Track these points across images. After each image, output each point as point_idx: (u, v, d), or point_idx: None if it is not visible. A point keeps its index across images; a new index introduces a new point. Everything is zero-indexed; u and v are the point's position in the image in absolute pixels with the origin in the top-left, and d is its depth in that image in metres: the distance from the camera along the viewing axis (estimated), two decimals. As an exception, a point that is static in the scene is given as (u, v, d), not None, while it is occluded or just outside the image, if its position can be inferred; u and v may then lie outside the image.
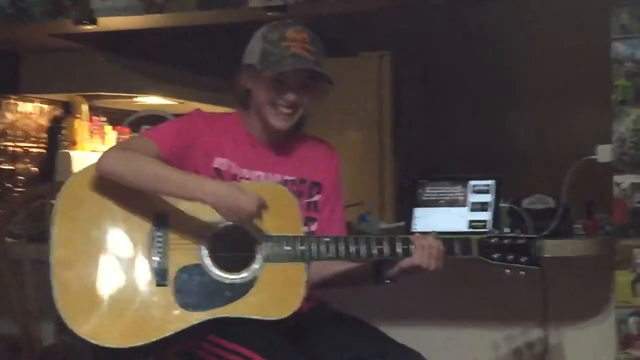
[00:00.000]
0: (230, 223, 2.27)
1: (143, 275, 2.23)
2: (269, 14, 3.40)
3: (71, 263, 2.23)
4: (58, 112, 5.11)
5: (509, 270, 2.35)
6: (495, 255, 2.36)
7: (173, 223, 2.27)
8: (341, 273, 2.45)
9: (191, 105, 4.61)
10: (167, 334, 2.20)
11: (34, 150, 4.97)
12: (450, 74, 6.10)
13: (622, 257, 2.93)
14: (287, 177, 2.45)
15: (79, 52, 4.66)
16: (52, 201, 2.38)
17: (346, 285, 2.50)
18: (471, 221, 3.06)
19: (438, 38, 6.05)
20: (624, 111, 2.95)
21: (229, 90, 2.52)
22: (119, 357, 2.24)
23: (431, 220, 3.08)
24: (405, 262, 2.33)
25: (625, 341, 2.92)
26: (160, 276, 2.23)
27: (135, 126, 4.03)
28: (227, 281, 2.25)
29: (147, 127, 2.51)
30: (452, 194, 3.15)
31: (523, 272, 2.35)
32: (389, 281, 2.40)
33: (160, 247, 2.24)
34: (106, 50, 4.74)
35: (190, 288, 2.24)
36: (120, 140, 4.72)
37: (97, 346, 2.19)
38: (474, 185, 3.12)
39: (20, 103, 4.88)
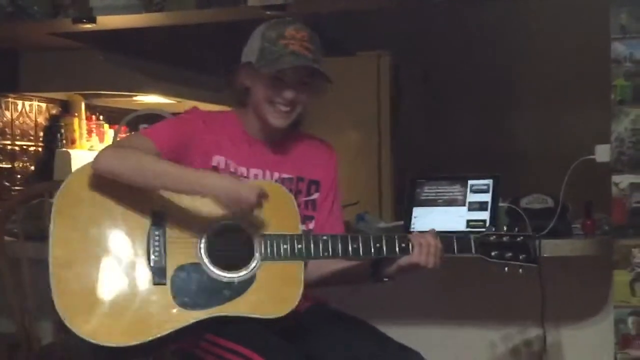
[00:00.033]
0: (229, 222, 2.27)
1: (141, 274, 2.23)
2: (268, 12, 3.39)
3: (69, 262, 2.22)
4: (56, 110, 5.11)
5: (507, 268, 2.35)
6: (493, 253, 2.36)
7: (171, 222, 2.26)
8: (339, 271, 2.45)
9: (190, 104, 4.60)
10: (165, 332, 2.20)
11: (33, 148, 4.97)
12: (450, 74, 6.11)
13: (620, 257, 2.93)
14: (284, 175, 2.45)
15: (77, 50, 4.66)
16: (51, 200, 2.38)
17: (344, 283, 2.50)
18: (469, 220, 3.06)
19: (438, 38, 6.05)
20: (623, 111, 2.95)
21: (228, 89, 2.52)
22: (117, 355, 2.24)
23: (430, 219, 3.08)
24: (404, 260, 2.33)
25: (624, 341, 2.91)
26: (158, 275, 2.23)
27: (133, 125, 4.03)
28: (225, 280, 2.25)
29: (145, 126, 2.50)
30: (450, 194, 3.15)
31: (521, 270, 2.35)
32: (387, 279, 2.40)
33: (158, 246, 2.24)
34: (105, 49, 4.74)
35: (188, 287, 2.23)
36: (118, 139, 4.71)
37: (95, 345, 2.19)
38: (473, 185, 3.12)
39: (19, 101, 4.88)
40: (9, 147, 4.83)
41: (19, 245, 2.80)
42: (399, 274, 2.37)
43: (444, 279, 3.10)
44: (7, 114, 4.81)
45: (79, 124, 5.04)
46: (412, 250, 2.32)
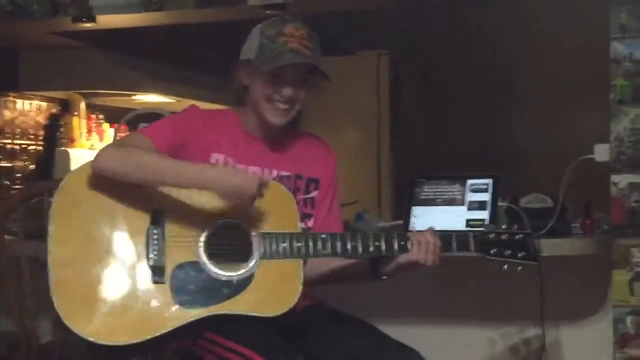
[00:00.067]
0: (228, 220, 2.27)
1: (140, 272, 2.23)
2: (268, 12, 3.40)
3: (68, 261, 2.22)
4: (56, 109, 5.12)
5: (506, 266, 2.35)
6: (492, 251, 2.35)
7: (170, 220, 2.26)
8: (338, 269, 2.45)
9: (189, 104, 4.61)
10: (164, 331, 2.20)
11: (32, 147, 4.98)
12: (450, 74, 6.11)
13: (619, 256, 2.93)
14: (283, 173, 2.45)
15: (77, 49, 4.66)
16: (50, 198, 2.38)
17: (343, 281, 2.50)
18: (469, 220, 3.06)
19: (438, 38, 6.06)
20: (622, 110, 2.95)
21: (227, 88, 2.52)
22: (116, 354, 2.24)
23: (429, 218, 3.08)
24: (403, 258, 2.33)
25: (622, 340, 2.91)
26: (157, 273, 2.23)
27: (133, 124, 4.02)
28: (224, 278, 2.25)
29: (145, 125, 2.50)
30: (450, 193, 3.15)
31: (520, 268, 2.35)
32: (386, 277, 2.39)
33: (157, 245, 2.24)
34: (105, 48, 4.74)
35: (187, 285, 2.23)
36: (117, 139, 4.71)
37: (94, 344, 2.19)
38: (472, 184, 3.13)
39: (18, 100, 4.88)
40: (9, 146, 4.83)
41: (19, 244, 2.80)
42: (398, 272, 2.37)
43: (443, 278, 3.10)
44: (7, 113, 4.82)
45: (79, 123, 5.05)
46: (410, 248, 2.32)
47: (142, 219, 2.26)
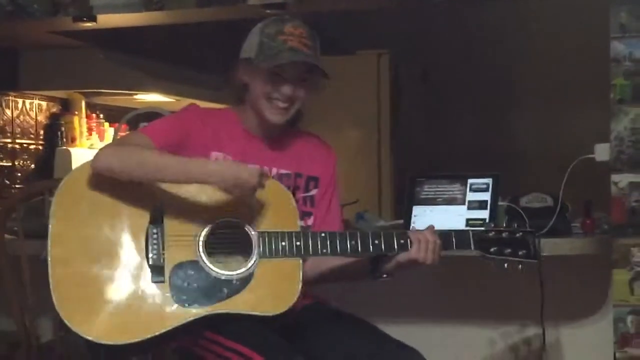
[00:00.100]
0: (227, 219, 2.27)
1: (139, 272, 2.23)
2: (268, 11, 3.40)
3: (68, 260, 2.23)
4: (57, 109, 5.11)
5: (506, 265, 2.34)
6: (492, 249, 2.35)
7: (169, 220, 2.27)
8: (338, 268, 2.45)
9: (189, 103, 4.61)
10: (164, 330, 2.20)
11: (33, 147, 4.97)
12: (450, 74, 6.11)
13: (619, 256, 2.93)
14: (282, 171, 2.46)
15: (78, 49, 4.65)
16: (51, 198, 2.38)
17: (343, 280, 2.50)
18: (469, 219, 3.06)
19: (438, 38, 6.05)
20: (622, 110, 2.94)
21: (227, 87, 2.52)
22: (116, 353, 2.24)
23: (429, 218, 3.08)
24: (402, 257, 2.33)
25: (623, 339, 2.91)
26: (156, 273, 2.23)
27: (133, 123, 4.02)
28: (223, 277, 2.25)
29: (145, 124, 2.50)
30: (450, 192, 3.15)
31: (521, 266, 2.35)
32: (385, 276, 2.39)
33: (156, 244, 2.24)
34: (105, 48, 4.74)
35: (187, 284, 2.24)
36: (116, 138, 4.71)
37: (94, 343, 2.19)
38: (472, 184, 3.13)
39: (19, 100, 4.88)
40: (10, 145, 4.83)
41: (19, 243, 2.80)
42: (398, 270, 2.37)
43: (443, 278, 3.10)
44: (8, 112, 4.81)
45: (79, 122, 5.03)
46: (410, 246, 2.32)
47: (142, 218, 2.26)
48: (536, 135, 6.20)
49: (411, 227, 3.10)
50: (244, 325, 2.25)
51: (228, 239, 2.28)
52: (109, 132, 5.08)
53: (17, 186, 4.81)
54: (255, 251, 2.27)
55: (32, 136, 4.97)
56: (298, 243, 2.28)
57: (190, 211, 2.27)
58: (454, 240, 2.36)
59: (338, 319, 2.43)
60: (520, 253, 2.34)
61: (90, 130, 5.08)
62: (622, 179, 2.94)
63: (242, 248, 2.28)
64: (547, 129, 6.13)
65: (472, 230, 2.39)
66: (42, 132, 5.00)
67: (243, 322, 2.25)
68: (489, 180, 3.11)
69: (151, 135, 2.32)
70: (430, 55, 6.04)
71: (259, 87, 2.40)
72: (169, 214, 2.27)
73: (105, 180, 2.26)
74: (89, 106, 5.15)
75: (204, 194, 2.27)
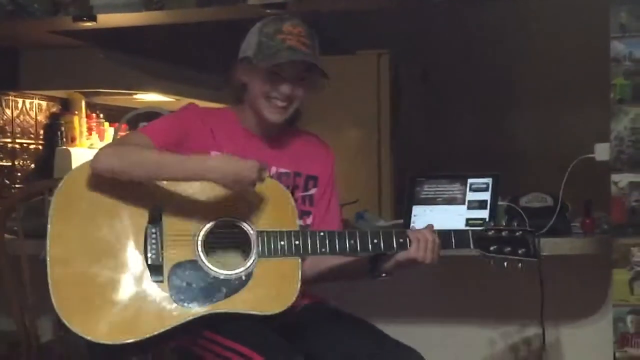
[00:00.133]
0: (226, 218, 2.27)
1: (138, 271, 2.23)
2: (268, 11, 3.40)
3: (67, 260, 2.23)
4: (57, 108, 5.11)
5: (506, 263, 2.34)
6: (492, 248, 2.35)
7: (168, 219, 2.27)
8: (337, 267, 2.45)
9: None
10: (163, 329, 2.20)
11: (33, 146, 4.97)
12: (450, 74, 6.10)
13: (619, 256, 2.92)
14: (281, 170, 2.46)
15: (78, 49, 4.65)
16: (51, 197, 2.38)
17: (342, 279, 2.50)
18: (469, 219, 3.06)
19: (438, 38, 6.05)
20: (622, 110, 2.94)
21: (227, 87, 2.52)
22: (116, 353, 2.24)
23: (429, 218, 3.07)
24: (401, 256, 2.33)
25: (623, 339, 2.91)
26: (155, 272, 2.23)
27: (133, 123, 4.02)
28: (222, 277, 2.25)
29: (145, 124, 2.51)
30: (450, 192, 3.15)
31: (521, 265, 2.34)
32: (385, 275, 2.39)
33: (155, 244, 2.24)
34: (105, 47, 4.73)
35: (186, 284, 2.24)
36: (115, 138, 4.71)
37: (93, 342, 2.19)
38: (472, 183, 3.13)
39: (19, 99, 4.87)
40: (9, 145, 4.83)
41: (19, 243, 2.80)
42: (397, 269, 2.37)
43: (443, 277, 3.10)
44: (8, 112, 4.81)
45: (79, 122, 5.03)
46: (409, 245, 2.31)
47: (141, 218, 2.26)
48: (536, 135, 6.20)
49: (411, 227, 3.09)
50: (243, 325, 2.25)
51: (227, 238, 2.29)
52: (109, 131, 5.08)
53: (17, 186, 4.81)
54: (254, 250, 2.27)
55: (32, 136, 4.97)
56: (297, 242, 2.28)
57: (189, 210, 2.27)
58: (453, 239, 2.36)
59: (338, 319, 2.42)
60: (520, 252, 2.34)
61: (90, 130, 5.08)
62: (622, 179, 2.94)
63: (241, 247, 2.29)
64: (547, 129, 6.13)
65: (472, 229, 2.38)
66: (42, 131, 5.00)
67: (242, 321, 2.25)
68: (489, 180, 3.11)
69: (150, 135, 2.32)
70: (430, 55, 6.04)
71: (258, 87, 2.40)
72: (168, 214, 2.27)
73: (104, 180, 2.26)
74: (89, 106, 5.15)
75: (203, 194, 2.27)
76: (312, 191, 2.50)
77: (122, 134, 4.69)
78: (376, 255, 2.37)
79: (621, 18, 2.94)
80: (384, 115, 5.53)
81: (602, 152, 3.01)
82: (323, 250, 2.30)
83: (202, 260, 2.26)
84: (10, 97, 4.82)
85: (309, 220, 2.47)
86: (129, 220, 2.26)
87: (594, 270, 3.10)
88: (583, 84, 5.51)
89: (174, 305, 2.22)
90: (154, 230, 2.25)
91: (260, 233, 2.28)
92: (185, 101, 5.01)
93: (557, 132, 5.99)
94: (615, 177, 2.95)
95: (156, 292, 2.23)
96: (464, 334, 3.33)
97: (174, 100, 5.15)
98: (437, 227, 2.39)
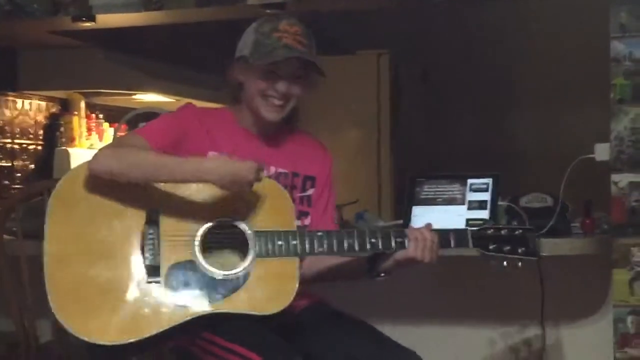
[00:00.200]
0: (223, 219, 2.27)
1: (135, 271, 2.23)
2: (267, 11, 3.40)
3: (64, 261, 2.22)
4: (56, 109, 5.11)
5: (506, 262, 2.33)
6: (491, 247, 2.33)
7: (165, 220, 2.26)
8: (335, 267, 2.45)
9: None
10: (160, 330, 2.20)
11: (32, 147, 4.98)
12: (450, 74, 6.11)
13: (619, 256, 2.92)
14: (280, 170, 2.46)
15: (77, 49, 4.66)
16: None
17: (340, 279, 2.49)
18: (469, 219, 3.06)
19: (438, 38, 6.06)
20: (622, 110, 2.94)
21: (226, 87, 2.52)
22: (114, 353, 2.23)
23: (429, 218, 3.04)
24: (400, 255, 2.32)
25: (623, 340, 2.91)
26: (152, 273, 2.23)
27: (133, 123, 4.02)
28: (219, 277, 2.24)
29: (144, 124, 2.51)
30: (450, 192, 3.15)
31: (521, 264, 2.33)
32: (383, 274, 2.38)
33: (152, 244, 2.24)
34: (105, 47, 4.74)
35: (183, 284, 2.23)
36: (113, 140, 4.71)
37: (91, 343, 2.19)
38: (472, 184, 3.12)
39: (18, 100, 4.88)
40: (9, 145, 4.83)
41: (18, 244, 2.80)
42: (396, 269, 2.36)
43: (443, 277, 3.10)
44: (7, 112, 4.81)
45: (79, 122, 5.04)
46: (407, 245, 2.31)
47: (138, 219, 2.26)
48: (536, 135, 6.20)
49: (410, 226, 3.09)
50: (242, 325, 2.24)
51: (224, 238, 2.28)
52: (109, 132, 5.08)
53: (16, 186, 4.81)
54: (251, 251, 2.27)
55: (31, 136, 4.97)
56: (294, 242, 2.27)
57: (187, 211, 2.27)
58: (452, 238, 2.35)
59: (337, 320, 2.42)
60: (519, 250, 2.33)
61: (89, 130, 5.09)
62: (622, 179, 2.94)
63: (239, 247, 2.28)
64: (547, 129, 6.13)
65: (471, 228, 2.38)
66: (41, 132, 5.01)
67: (240, 321, 2.24)
68: (489, 180, 3.11)
69: (147, 136, 2.32)
70: (430, 55, 6.04)
71: (254, 85, 2.40)
72: (165, 214, 2.26)
73: (102, 181, 2.25)
74: (89, 106, 5.16)
75: (201, 194, 2.27)
76: (310, 192, 2.49)
77: (122, 134, 4.69)
78: (375, 254, 2.37)
79: (621, 18, 2.94)
80: (383, 115, 5.53)
81: (602, 152, 3.01)
82: (321, 250, 2.29)
83: (199, 260, 2.25)
84: (10, 98, 4.83)
85: (306, 221, 2.46)
86: (127, 221, 2.25)
87: (594, 270, 3.09)
88: (583, 84, 5.51)
89: (172, 305, 2.21)
90: (151, 231, 2.25)
91: (257, 233, 2.27)
92: (184, 101, 5.02)
93: (557, 132, 5.99)
94: (615, 177, 2.94)
95: (154, 292, 2.22)
96: (464, 334, 3.32)
97: (173, 100, 5.16)
98: (437, 227, 2.38)
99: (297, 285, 2.26)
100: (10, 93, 4.83)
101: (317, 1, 3.76)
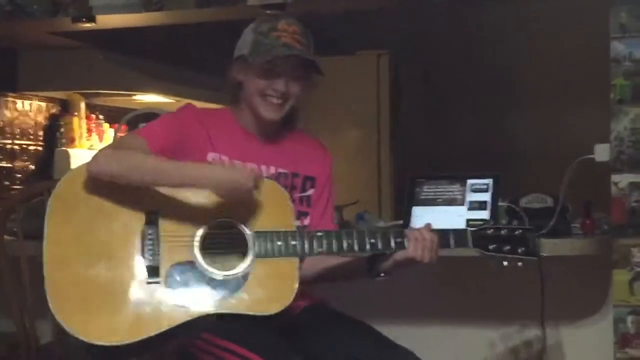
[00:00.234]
0: (223, 219, 2.27)
1: (135, 272, 2.23)
2: (268, 12, 3.40)
3: (63, 261, 2.22)
4: (56, 109, 5.11)
5: (506, 262, 2.33)
6: (491, 247, 2.33)
7: (165, 220, 2.26)
8: (335, 267, 2.45)
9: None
10: (160, 331, 2.20)
11: (32, 147, 4.97)
12: (450, 74, 6.11)
13: (619, 256, 2.92)
14: (280, 170, 2.46)
15: (77, 49, 4.66)
16: (50, 199, 2.37)
17: (340, 279, 2.49)
18: (469, 220, 3.06)
19: (438, 38, 6.06)
20: (622, 110, 2.94)
21: (225, 87, 2.52)
22: (114, 354, 2.23)
23: (429, 219, 3.04)
24: (399, 255, 2.32)
25: (623, 340, 2.91)
26: (152, 273, 2.23)
27: (133, 124, 4.03)
28: (219, 277, 2.25)
29: (144, 125, 2.51)
30: (450, 193, 3.15)
31: (521, 264, 2.33)
32: (383, 275, 2.38)
33: (151, 245, 2.24)
34: (104, 48, 4.74)
35: (183, 285, 2.23)
36: (112, 141, 4.71)
37: (91, 344, 2.19)
38: (472, 184, 3.12)
39: (18, 101, 4.88)
40: (9, 146, 4.83)
41: (19, 244, 2.80)
42: (395, 269, 2.36)
43: (442, 278, 3.10)
44: (7, 113, 4.81)
45: (79, 123, 5.04)
46: (407, 245, 2.31)
47: (138, 219, 2.26)
48: (536, 136, 6.20)
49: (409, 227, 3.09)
50: (242, 326, 2.24)
51: (224, 239, 2.28)
52: (109, 132, 5.08)
53: (16, 187, 4.81)
54: (251, 251, 2.27)
55: (31, 137, 4.97)
56: (294, 242, 2.27)
57: (186, 212, 2.27)
58: (451, 238, 2.35)
59: (337, 321, 2.42)
60: (519, 250, 2.32)
61: (89, 131, 5.09)
62: (622, 179, 2.94)
63: (238, 248, 2.28)
64: (547, 129, 6.13)
65: (470, 228, 2.38)
66: (41, 133, 5.01)
67: (240, 322, 2.24)
68: (489, 181, 3.11)
69: (147, 137, 2.32)
70: (431, 56, 6.05)
71: (253, 84, 2.41)
72: (165, 215, 2.26)
73: (102, 181, 2.25)
74: (89, 107, 5.16)
75: (200, 195, 2.27)
76: (310, 192, 2.50)
77: (122, 135, 4.69)
78: (374, 255, 2.37)
79: (621, 18, 2.94)
80: (383, 115, 5.54)
81: (602, 152, 3.01)
82: (320, 250, 2.29)
83: (199, 261, 2.25)
84: (10, 99, 4.83)
85: (306, 221, 2.47)
86: (126, 222, 2.25)
87: (594, 271, 3.09)
88: (583, 84, 5.51)
89: (172, 306, 2.21)
90: (150, 231, 2.25)
91: (257, 233, 2.27)
92: (184, 102, 5.02)
93: (557, 133, 6.00)
94: (615, 177, 2.95)
95: (153, 293, 2.22)
96: (464, 334, 3.32)
97: (173, 101, 5.15)
98: (437, 228, 2.38)
99: (296, 286, 2.26)
100: (10, 94, 4.83)
101: (317, 2, 3.76)
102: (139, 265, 2.23)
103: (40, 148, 5.00)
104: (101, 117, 5.21)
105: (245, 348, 2.20)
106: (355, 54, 5.57)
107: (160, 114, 3.50)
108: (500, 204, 3.10)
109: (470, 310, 3.30)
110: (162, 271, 2.23)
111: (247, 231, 2.28)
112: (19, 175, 4.87)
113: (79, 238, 2.24)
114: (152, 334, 2.19)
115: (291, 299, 2.25)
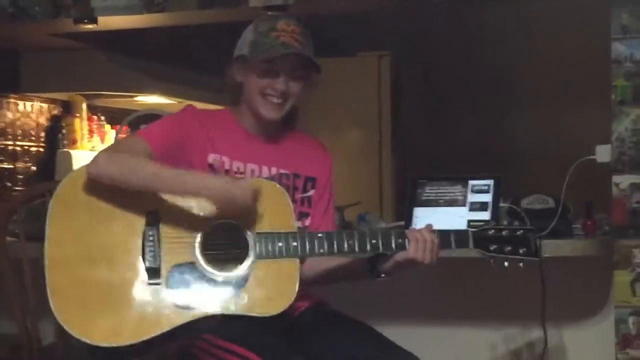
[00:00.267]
0: (223, 220, 2.27)
1: (136, 274, 2.23)
2: (269, 13, 3.40)
3: (64, 263, 2.22)
4: (58, 111, 5.12)
5: (507, 263, 2.33)
6: (492, 247, 2.33)
7: (166, 222, 2.26)
8: (335, 268, 2.45)
9: (190, 105, 4.62)
10: (161, 332, 2.20)
11: (34, 149, 4.98)
12: (451, 74, 6.11)
13: (621, 257, 2.93)
14: (281, 171, 2.46)
15: (79, 51, 4.66)
16: (51, 200, 2.38)
17: (341, 280, 2.49)
18: (470, 221, 3.06)
19: (438, 38, 6.06)
20: (623, 111, 2.95)
21: (225, 88, 2.53)
22: (115, 356, 2.24)
23: (430, 219, 3.04)
24: (400, 256, 2.32)
25: (624, 341, 2.92)
26: (153, 275, 2.23)
27: (134, 125, 4.03)
28: (220, 278, 2.25)
29: (145, 126, 2.51)
30: (451, 194, 3.15)
31: (522, 264, 2.33)
32: (384, 275, 2.38)
33: (152, 246, 2.24)
34: (106, 50, 4.74)
35: (184, 286, 2.23)
36: (113, 142, 4.72)
37: (92, 345, 2.19)
38: (474, 185, 3.13)
39: (20, 102, 4.88)
40: (10, 147, 4.83)
41: (20, 246, 2.80)
42: (396, 270, 2.36)
43: (443, 278, 3.10)
44: (9, 114, 4.81)
45: (80, 124, 5.05)
46: (408, 246, 2.31)
47: (138, 221, 2.26)
48: (536, 136, 6.20)
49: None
50: (243, 327, 2.24)
51: (224, 240, 2.28)
52: (110, 134, 5.09)
53: (18, 188, 4.81)
54: (251, 252, 2.27)
55: (33, 138, 4.97)
56: (295, 243, 2.27)
57: (187, 213, 2.27)
58: (452, 239, 2.35)
59: (338, 322, 2.42)
60: (520, 251, 2.32)
61: (91, 132, 5.09)
62: (623, 180, 2.95)
63: (239, 249, 2.28)
64: (548, 129, 6.13)
65: (472, 229, 2.38)
66: (43, 134, 5.01)
67: (241, 323, 2.24)
68: (490, 182, 3.11)
69: (148, 139, 2.32)
70: (431, 56, 6.05)
71: (253, 84, 2.41)
72: (166, 216, 2.26)
73: (101, 184, 2.25)
74: (90, 108, 5.16)
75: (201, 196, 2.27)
76: (311, 193, 2.50)
77: (123, 136, 4.70)
78: (375, 255, 2.37)
79: (622, 19, 2.95)
80: (384, 116, 5.54)
81: (603, 153, 3.02)
82: (321, 251, 2.29)
83: (200, 262, 2.25)
84: (12, 100, 4.83)
85: (307, 222, 2.47)
86: (127, 223, 2.25)
87: (595, 271, 3.10)
88: (583, 84, 5.51)
89: (173, 307, 2.21)
90: (151, 233, 2.25)
91: (258, 235, 2.27)
92: (186, 103, 5.02)
93: (557, 133, 6.00)
94: (616, 178, 2.95)
95: (154, 294, 2.22)
96: (465, 335, 3.32)
97: (175, 102, 5.16)
98: (438, 229, 2.38)
99: (297, 287, 2.26)
100: (12, 95, 4.83)
101: (317, 3, 3.76)
102: (140, 266, 2.23)
103: (41, 149, 5.00)
104: (103, 118, 5.21)
105: (246, 348, 2.20)
106: (356, 55, 5.57)
107: (162, 115, 3.52)
108: (501, 205, 3.10)
109: (471, 311, 3.30)
110: (163, 272, 2.23)
111: (248, 232, 2.28)
112: (20, 177, 4.87)
113: (80, 239, 2.24)
114: (154, 335, 2.19)
115: (292, 300, 2.25)
